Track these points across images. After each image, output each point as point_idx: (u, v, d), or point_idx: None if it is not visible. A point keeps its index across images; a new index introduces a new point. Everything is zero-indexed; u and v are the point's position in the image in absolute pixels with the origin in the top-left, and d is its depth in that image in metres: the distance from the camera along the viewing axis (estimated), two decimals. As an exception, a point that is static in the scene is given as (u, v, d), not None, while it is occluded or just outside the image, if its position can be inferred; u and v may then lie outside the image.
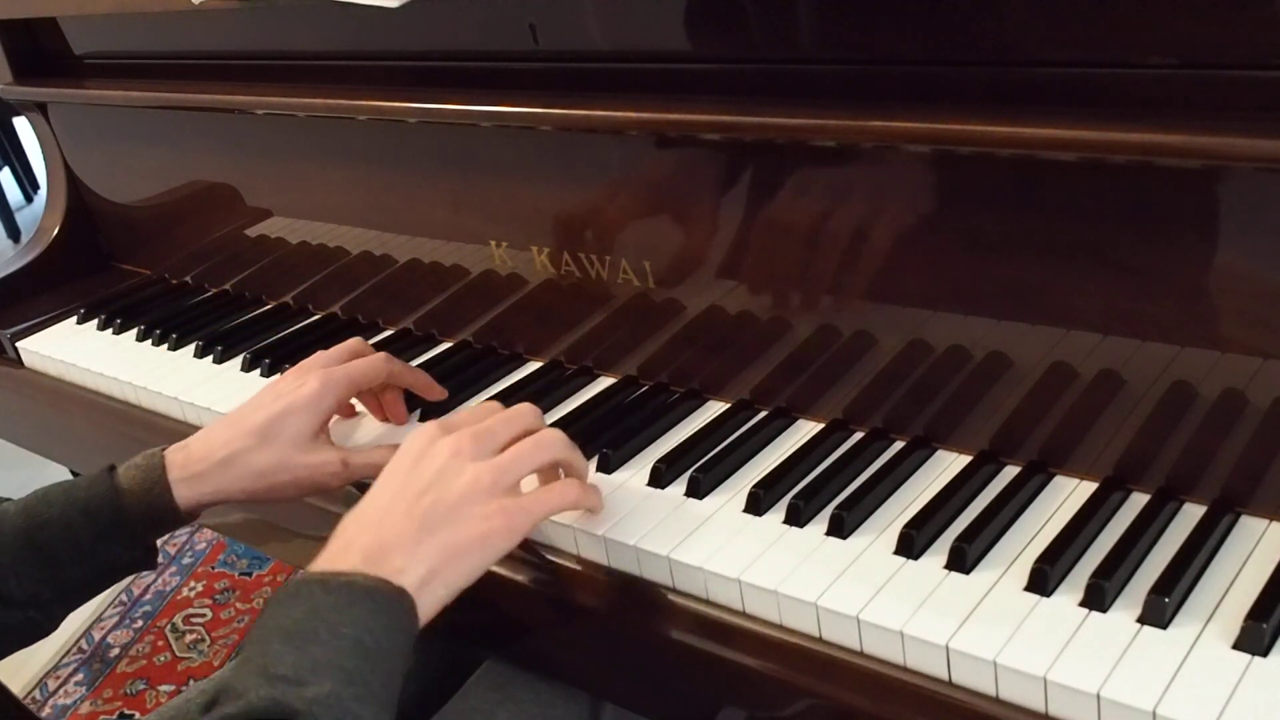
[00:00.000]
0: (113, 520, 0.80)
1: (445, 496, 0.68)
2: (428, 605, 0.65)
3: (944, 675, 0.63)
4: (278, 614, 0.62)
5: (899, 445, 0.81)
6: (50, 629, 0.81)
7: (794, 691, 0.68)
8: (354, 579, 0.63)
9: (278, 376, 1.07)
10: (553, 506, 0.72)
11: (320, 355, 0.89)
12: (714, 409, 0.90)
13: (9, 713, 0.74)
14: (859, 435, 0.83)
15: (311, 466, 0.83)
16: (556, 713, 0.83)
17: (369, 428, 0.95)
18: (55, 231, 1.40)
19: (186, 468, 0.82)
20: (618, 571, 0.76)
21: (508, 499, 0.69)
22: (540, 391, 0.96)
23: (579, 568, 0.78)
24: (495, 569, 0.80)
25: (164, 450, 0.83)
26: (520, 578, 0.79)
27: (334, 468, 0.83)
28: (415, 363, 1.06)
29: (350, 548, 0.66)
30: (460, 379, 1.00)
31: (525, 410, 0.75)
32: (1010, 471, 0.76)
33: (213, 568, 1.90)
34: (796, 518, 0.75)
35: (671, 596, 0.74)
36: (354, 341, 0.92)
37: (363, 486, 0.87)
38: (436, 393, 0.95)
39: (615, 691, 0.82)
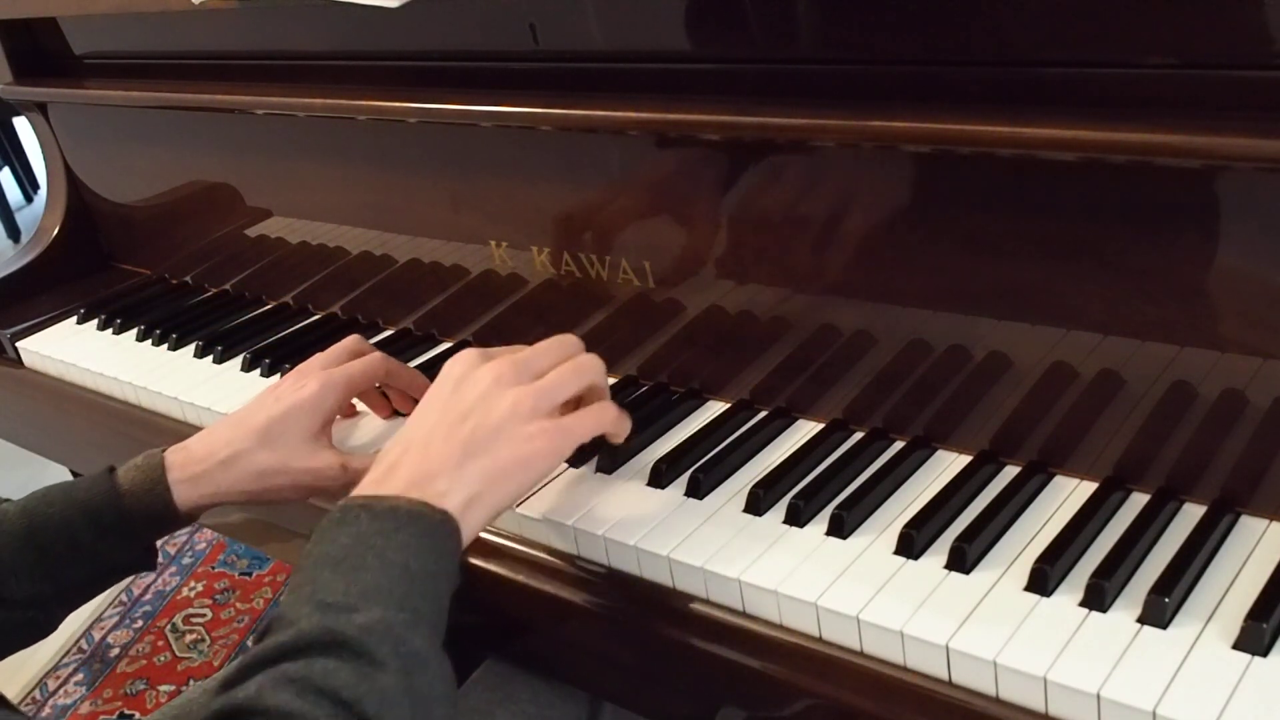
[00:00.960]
0: (113, 521, 0.80)
1: (487, 420, 0.68)
2: (471, 527, 0.66)
3: (944, 675, 0.63)
4: (324, 541, 0.63)
5: (899, 445, 0.81)
6: (50, 629, 0.81)
7: (794, 691, 0.68)
8: (398, 504, 0.64)
9: (278, 379, 1.07)
10: (591, 428, 0.73)
11: (319, 357, 0.89)
12: (714, 409, 0.90)
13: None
14: (859, 435, 0.83)
15: (312, 470, 0.83)
16: (555, 713, 0.83)
17: (369, 427, 0.95)
18: (55, 231, 1.40)
19: (186, 468, 0.82)
20: (618, 571, 0.76)
21: (548, 421, 0.70)
22: (540, 391, 0.96)
23: (578, 567, 0.78)
24: (495, 569, 0.80)
25: (164, 451, 0.83)
26: (520, 577, 0.79)
27: (334, 471, 0.83)
28: (415, 363, 1.07)
29: (394, 472, 0.67)
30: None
31: (564, 340, 0.76)
32: (1010, 471, 0.76)
33: (213, 568, 1.90)
34: (796, 518, 0.75)
35: (671, 597, 0.74)
36: (352, 339, 0.92)
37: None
38: None
39: (614, 691, 0.82)
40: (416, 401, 0.94)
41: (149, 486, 0.81)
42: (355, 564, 0.61)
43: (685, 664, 0.73)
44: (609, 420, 0.75)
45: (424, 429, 0.70)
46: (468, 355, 0.74)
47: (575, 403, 0.76)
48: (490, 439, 0.68)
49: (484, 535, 0.83)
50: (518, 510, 0.81)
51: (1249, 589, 0.63)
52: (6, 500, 0.82)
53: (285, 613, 0.60)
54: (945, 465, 0.79)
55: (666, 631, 0.73)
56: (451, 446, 0.68)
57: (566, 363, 0.74)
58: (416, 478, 0.66)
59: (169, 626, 1.79)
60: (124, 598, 1.86)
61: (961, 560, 0.68)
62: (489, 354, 0.74)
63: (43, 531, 0.79)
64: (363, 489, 0.67)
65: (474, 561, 0.82)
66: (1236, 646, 0.59)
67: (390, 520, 0.63)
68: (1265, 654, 0.59)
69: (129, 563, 0.83)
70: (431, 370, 1.03)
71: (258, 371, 1.10)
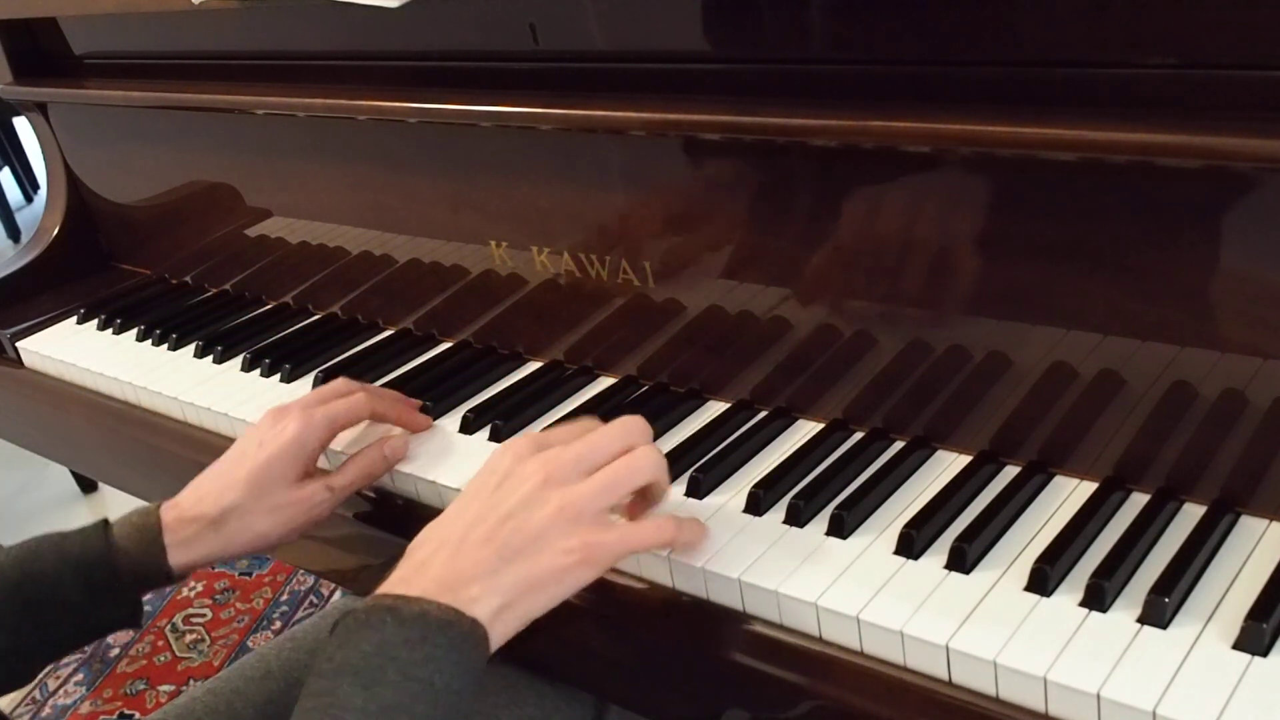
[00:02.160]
0: (104, 579, 0.79)
1: (528, 525, 0.65)
2: (499, 635, 0.64)
3: (944, 675, 0.63)
4: (347, 646, 0.61)
5: (899, 445, 0.81)
6: (28, 679, 0.81)
7: (794, 692, 0.68)
8: (427, 610, 0.61)
9: (277, 379, 1.07)
10: (638, 546, 0.69)
11: (302, 398, 0.88)
12: (714, 409, 0.90)
13: None
14: (859, 435, 0.83)
15: (302, 502, 0.82)
16: (560, 715, 0.83)
17: (362, 431, 0.95)
18: (55, 231, 1.40)
19: (179, 530, 0.80)
20: (619, 572, 0.76)
21: (593, 533, 0.66)
22: (540, 391, 0.96)
23: (579, 568, 0.78)
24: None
25: (159, 508, 0.82)
26: (520, 578, 0.79)
27: (321, 497, 0.83)
28: (415, 363, 1.07)
29: (425, 569, 0.64)
30: (460, 379, 1.00)
31: (628, 427, 0.71)
32: (1010, 471, 0.76)
33: (213, 568, 1.90)
34: (796, 518, 0.75)
35: (672, 597, 0.74)
36: (340, 382, 0.91)
37: (355, 513, 0.88)
38: (420, 424, 0.93)
39: (619, 693, 0.82)
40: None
41: (144, 547, 0.80)
42: (377, 676, 0.59)
43: (688, 665, 0.73)
44: (663, 538, 0.70)
45: (461, 525, 0.66)
46: (518, 445, 0.69)
47: (636, 494, 0.72)
48: (529, 546, 0.64)
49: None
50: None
51: (1249, 589, 0.63)
52: None
53: None
54: (945, 465, 0.79)
55: (668, 632, 0.73)
56: (488, 549, 0.64)
57: (621, 460, 0.68)
58: (448, 579, 0.63)
59: (169, 626, 1.79)
60: (124, 598, 1.86)
61: (961, 560, 0.68)
62: (541, 442, 0.69)
63: (32, 585, 0.78)
64: (391, 582, 0.64)
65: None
66: (1236, 646, 0.59)
67: (418, 628, 0.61)
68: (1265, 654, 0.59)
69: (115, 620, 0.81)
70: (432, 370, 1.04)
71: (258, 371, 1.10)
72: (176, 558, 0.80)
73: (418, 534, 0.69)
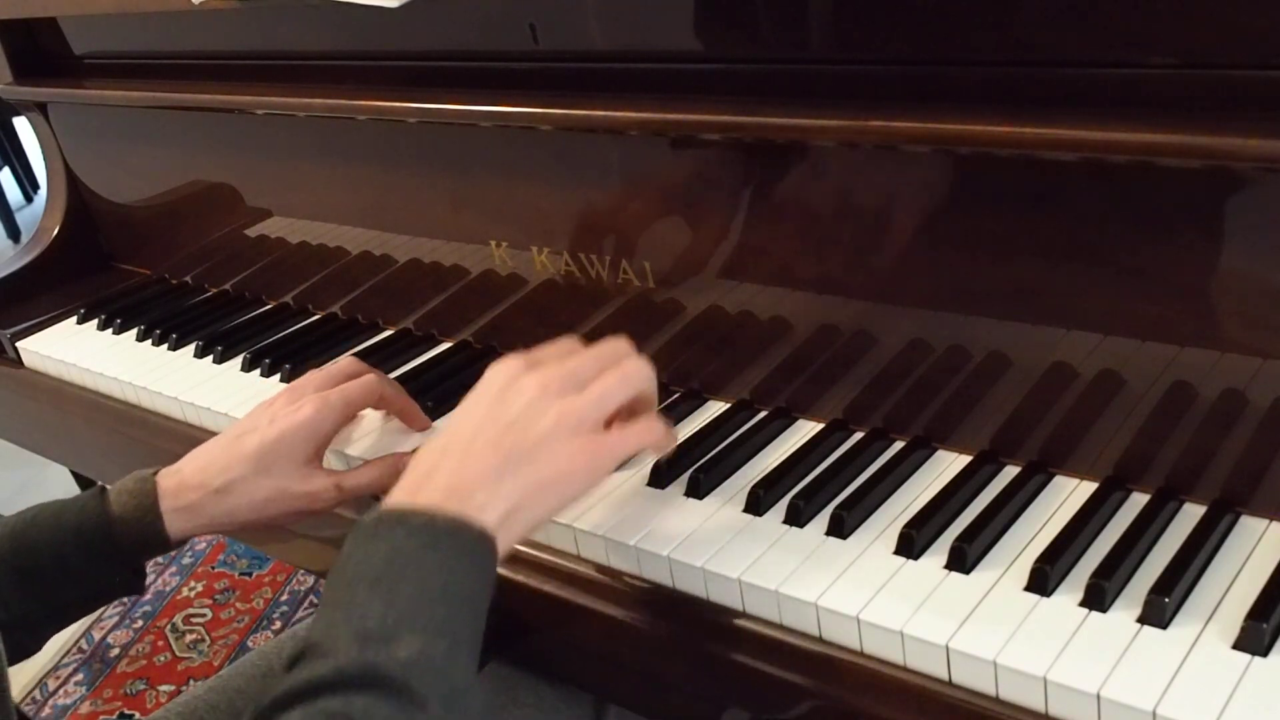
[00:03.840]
0: (103, 546, 0.79)
1: (530, 432, 0.66)
2: (506, 541, 0.64)
3: (944, 675, 0.63)
4: (359, 555, 0.61)
5: (899, 445, 0.81)
6: (35, 649, 0.81)
7: (794, 692, 0.68)
8: (435, 518, 0.62)
9: (277, 380, 1.07)
10: (635, 444, 0.71)
11: (314, 376, 0.87)
12: (714, 409, 0.90)
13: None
14: (859, 435, 0.83)
15: (307, 496, 0.82)
16: (560, 716, 0.83)
17: (369, 429, 0.95)
18: (55, 231, 1.40)
19: (179, 496, 0.80)
20: (618, 572, 0.76)
21: (592, 437, 0.67)
22: (540, 391, 0.96)
23: (580, 568, 0.78)
24: (498, 570, 0.80)
25: (156, 475, 0.81)
26: (521, 579, 0.79)
27: (329, 493, 0.82)
28: (415, 363, 1.07)
29: (431, 479, 0.65)
30: (460, 379, 1.00)
31: (615, 345, 0.73)
32: (1010, 471, 0.76)
33: (213, 568, 1.91)
34: (796, 518, 0.75)
35: (673, 597, 0.74)
36: (348, 361, 0.91)
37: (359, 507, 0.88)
38: (420, 422, 0.93)
39: (619, 693, 0.82)
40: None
41: (140, 514, 0.79)
42: (393, 582, 0.59)
43: (688, 665, 0.73)
44: (655, 436, 0.71)
45: (464, 436, 0.67)
46: (513, 362, 0.70)
47: (625, 409, 0.72)
48: (532, 452, 0.65)
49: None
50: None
51: (1249, 589, 0.63)
52: None
53: (321, 640, 0.57)
54: (945, 465, 0.79)
55: (668, 632, 0.73)
56: (492, 457, 0.65)
57: (613, 371, 0.70)
58: (454, 487, 0.64)
59: (169, 626, 1.79)
60: (124, 598, 1.86)
61: (961, 560, 0.68)
62: (535, 360, 0.71)
63: (32, 554, 0.78)
64: (397, 496, 0.65)
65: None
66: (1236, 646, 0.59)
67: (428, 535, 0.61)
68: (1265, 654, 0.59)
69: (118, 585, 0.81)
70: (431, 371, 1.04)
71: (258, 371, 1.10)
72: (174, 524, 0.80)
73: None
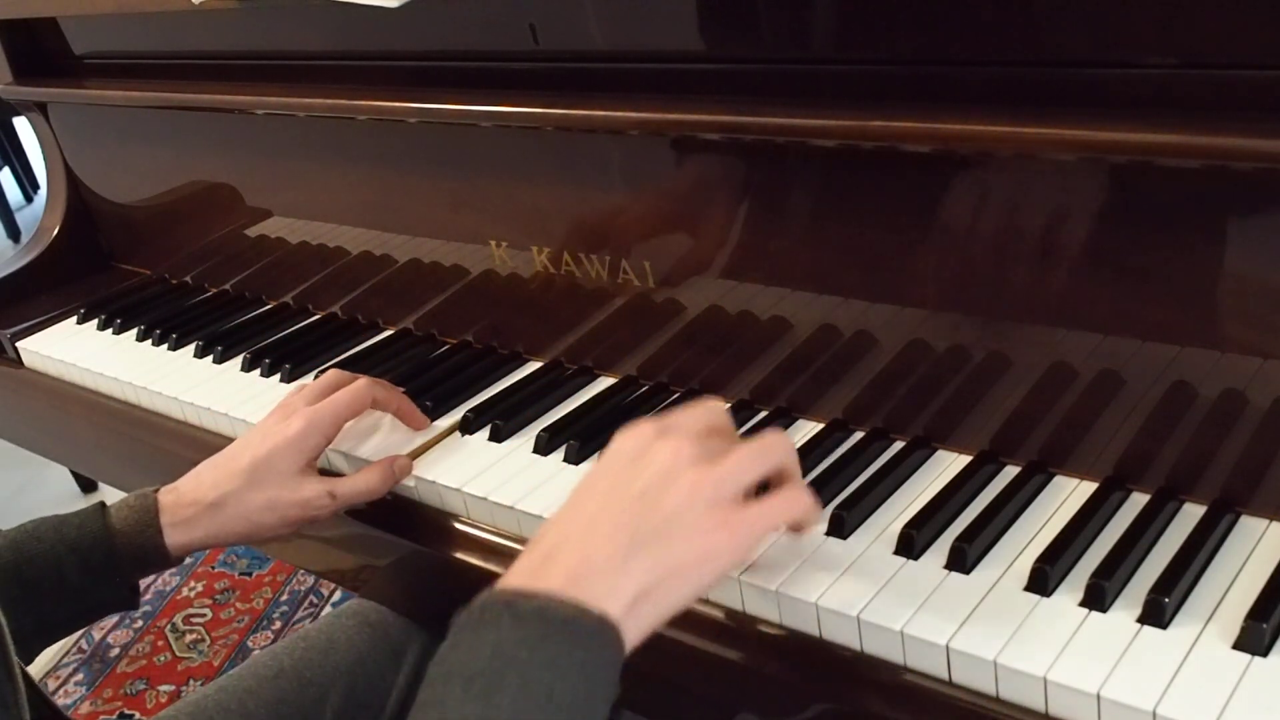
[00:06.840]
0: (102, 561, 0.80)
1: (661, 506, 0.59)
2: (634, 631, 0.57)
3: (944, 675, 0.63)
4: (460, 646, 0.55)
5: (899, 445, 0.81)
6: (26, 664, 0.81)
7: (795, 692, 0.68)
8: (547, 606, 0.55)
9: (276, 380, 1.07)
10: (778, 519, 0.64)
11: (304, 391, 0.89)
12: (714, 409, 0.90)
13: (39, 709, 0.73)
14: (859, 435, 0.83)
15: (300, 504, 0.83)
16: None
17: (370, 431, 0.95)
18: (55, 231, 1.40)
19: (177, 512, 0.82)
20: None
21: (731, 510, 0.60)
22: (540, 391, 0.96)
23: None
24: (499, 570, 0.80)
25: (156, 492, 0.83)
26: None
27: (322, 500, 0.84)
28: (415, 363, 1.07)
29: (551, 562, 0.58)
30: (460, 379, 1.00)
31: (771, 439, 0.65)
32: (1010, 471, 0.76)
33: (213, 568, 1.90)
34: (796, 518, 0.75)
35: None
36: (333, 374, 0.91)
37: (355, 513, 0.88)
38: (418, 422, 0.93)
39: (628, 698, 0.82)
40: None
41: (140, 529, 0.81)
42: (493, 683, 0.53)
43: (689, 666, 0.73)
44: (801, 508, 0.65)
45: (588, 510, 0.60)
46: (642, 428, 0.63)
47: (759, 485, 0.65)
48: (663, 528, 0.58)
49: (488, 536, 0.84)
50: (514, 506, 0.81)
51: (1249, 589, 0.63)
52: None
53: None
54: (945, 465, 0.79)
55: (672, 635, 0.73)
56: (619, 535, 0.58)
57: (753, 441, 0.64)
58: (576, 572, 0.57)
59: (169, 626, 1.79)
60: (124, 598, 1.86)
61: (961, 560, 0.68)
62: (666, 426, 0.63)
63: (30, 567, 0.79)
64: (513, 575, 0.58)
65: (478, 563, 0.82)
66: (1236, 646, 0.59)
67: (537, 626, 0.54)
68: (1265, 654, 0.59)
69: (113, 602, 0.83)
70: (432, 370, 1.04)
71: (258, 371, 1.10)
72: (173, 538, 0.82)
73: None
